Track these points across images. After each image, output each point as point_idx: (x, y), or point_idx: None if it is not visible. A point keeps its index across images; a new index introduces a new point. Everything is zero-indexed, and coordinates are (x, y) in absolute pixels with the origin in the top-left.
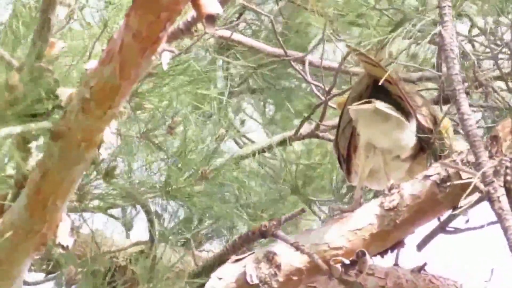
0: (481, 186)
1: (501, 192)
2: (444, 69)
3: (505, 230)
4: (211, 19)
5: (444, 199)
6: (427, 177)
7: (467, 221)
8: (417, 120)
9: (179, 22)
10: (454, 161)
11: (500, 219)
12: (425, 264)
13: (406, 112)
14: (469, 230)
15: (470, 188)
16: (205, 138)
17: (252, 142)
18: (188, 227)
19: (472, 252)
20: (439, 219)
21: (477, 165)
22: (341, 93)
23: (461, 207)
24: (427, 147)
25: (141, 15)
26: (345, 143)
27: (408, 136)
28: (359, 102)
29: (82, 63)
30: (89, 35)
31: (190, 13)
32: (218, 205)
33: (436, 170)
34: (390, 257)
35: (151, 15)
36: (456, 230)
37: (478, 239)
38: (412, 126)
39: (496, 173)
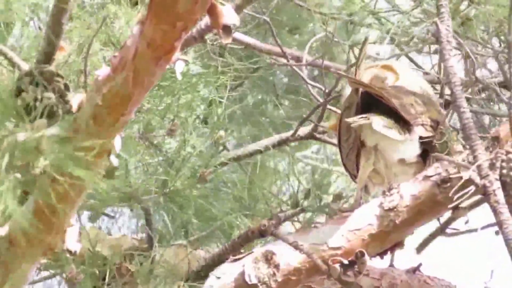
0: (477, 179)
1: (496, 185)
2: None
3: (500, 223)
4: (228, 29)
5: (445, 199)
6: (427, 177)
7: (467, 222)
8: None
9: (193, 29)
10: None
11: (495, 213)
12: (420, 265)
13: (405, 120)
14: (469, 232)
15: (463, 180)
16: (203, 140)
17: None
18: (186, 227)
19: (471, 253)
20: (439, 220)
21: (473, 158)
22: (339, 95)
23: (456, 205)
24: (430, 151)
25: (157, 24)
26: (353, 166)
27: (410, 146)
28: (358, 117)
29: (80, 61)
30: (87, 32)
31: (203, 21)
32: (216, 209)
33: (436, 170)
34: (385, 258)
35: (166, 24)
36: (456, 232)
37: (477, 241)
38: (413, 135)
39: (491, 166)
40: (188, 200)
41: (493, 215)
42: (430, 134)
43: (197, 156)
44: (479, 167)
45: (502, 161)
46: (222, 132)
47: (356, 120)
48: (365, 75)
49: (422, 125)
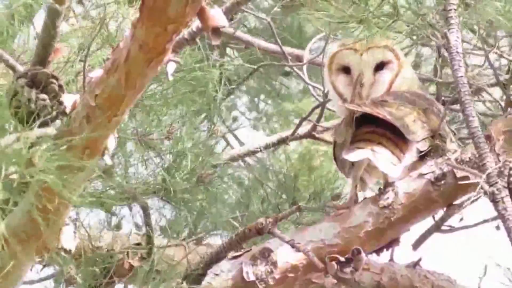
0: (486, 187)
1: (504, 193)
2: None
3: (508, 230)
4: (217, 31)
5: (439, 197)
6: (421, 175)
7: (461, 219)
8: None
9: (184, 32)
10: (448, 159)
11: (504, 220)
12: (420, 260)
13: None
14: (464, 229)
15: (478, 188)
16: (200, 139)
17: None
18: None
19: (466, 248)
20: (434, 217)
21: (481, 166)
22: None
23: (460, 204)
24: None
25: (148, 27)
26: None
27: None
28: (355, 146)
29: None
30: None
31: (195, 23)
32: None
33: (430, 168)
34: (385, 254)
35: (158, 27)
36: (451, 229)
37: (472, 236)
38: (412, 148)
39: (500, 174)
40: (185, 202)
41: (492, 213)
42: (429, 144)
43: (195, 155)
44: (488, 174)
45: (510, 169)
46: (219, 127)
47: (358, 155)
48: (370, 58)
49: (423, 138)
